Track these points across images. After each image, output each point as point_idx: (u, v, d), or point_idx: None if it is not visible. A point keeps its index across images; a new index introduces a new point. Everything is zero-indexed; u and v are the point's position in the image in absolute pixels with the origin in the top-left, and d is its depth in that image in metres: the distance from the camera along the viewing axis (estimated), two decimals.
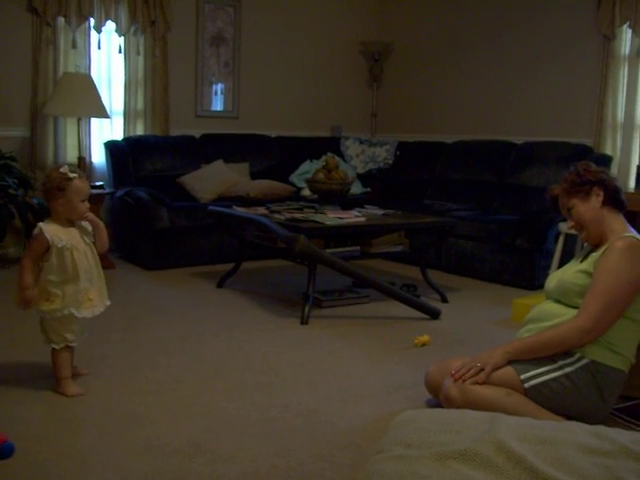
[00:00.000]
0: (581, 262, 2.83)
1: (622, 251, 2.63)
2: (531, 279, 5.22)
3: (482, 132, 6.81)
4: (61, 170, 2.98)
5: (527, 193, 5.92)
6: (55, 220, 3.00)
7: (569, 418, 2.54)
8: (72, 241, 2.98)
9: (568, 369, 2.61)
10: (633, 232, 2.75)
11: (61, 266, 2.94)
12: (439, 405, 2.74)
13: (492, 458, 1.55)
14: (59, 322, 2.99)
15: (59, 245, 2.93)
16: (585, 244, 2.93)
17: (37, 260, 2.96)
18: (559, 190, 2.85)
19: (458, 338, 4.05)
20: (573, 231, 2.92)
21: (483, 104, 6.90)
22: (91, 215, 3.08)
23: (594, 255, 2.74)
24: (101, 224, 3.13)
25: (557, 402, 2.61)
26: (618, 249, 2.64)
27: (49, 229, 2.95)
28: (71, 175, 2.96)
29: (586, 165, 2.85)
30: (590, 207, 2.77)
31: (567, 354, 2.64)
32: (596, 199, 2.77)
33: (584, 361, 2.62)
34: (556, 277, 2.89)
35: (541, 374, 2.62)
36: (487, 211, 6.04)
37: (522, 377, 2.61)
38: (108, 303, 3.17)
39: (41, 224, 2.98)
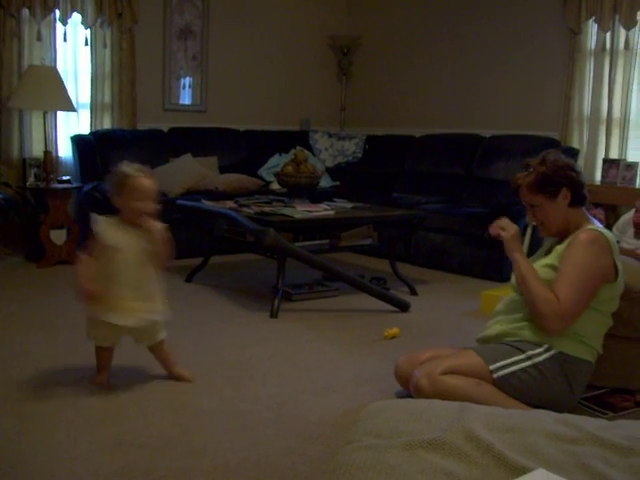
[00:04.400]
0: (545, 255, 2.86)
1: (586, 244, 2.66)
2: (499, 271, 5.26)
3: (450, 125, 6.85)
4: (122, 167, 2.94)
5: (495, 186, 5.97)
6: (121, 218, 2.95)
7: (537, 408, 2.57)
8: (124, 243, 2.90)
9: (537, 359, 2.64)
10: (596, 224, 2.78)
11: (101, 265, 2.87)
12: (409, 396, 2.76)
13: (461, 446, 1.56)
14: (89, 319, 2.97)
15: (106, 243, 2.87)
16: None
17: (90, 253, 2.91)
18: (523, 182, 2.83)
19: (428, 330, 4.07)
20: (534, 223, 2.92)
21: (451, 97, 6.94)
22: (148, 220, 2.93)
23: (558, 248, 2.76)
24: (160, 234, 2.93)
25: (526, 392, 2.63)
26: (582, 242, 2.66)
27: (104, 225, 2.91)
28: (129, 172, 2.92)
29: (554, 160, 2.79)
30: (556, 207, 2.77)
31: (536, 345, 2.66)
32: (563, 200, 2.76)
33: (552, 352, 2.65)
34: None
35: (510, 364, 2.64)
36: (456, 204, 6.08)
37: (491, 367, 2.63)
38: (161, 317, 3.01)
39: (98, 217, 2.92)
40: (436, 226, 5.66)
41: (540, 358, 2.65)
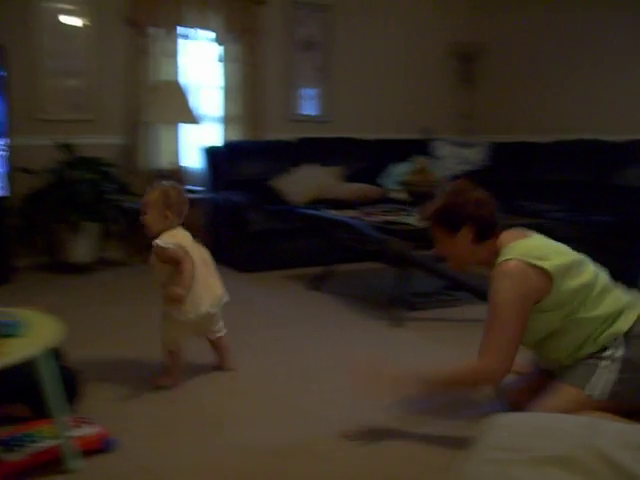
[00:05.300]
0: None
1: (501, 281, 2.47)
2: (632, 280, 5.05)
3: (577, 131, 6.63)
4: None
5: (624, 193, 5.75)
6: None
7: None
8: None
9: (618, 354, 2.47)
10: (509, 247, 2.55)
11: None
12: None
13: (590, 464, 1.52)
14: (173, 325, 3.23)
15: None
16: None
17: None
18: (426, 212, 2.67)
19: None
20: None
21: (578, 103, 6.74)
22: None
23: None
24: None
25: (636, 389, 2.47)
26: (496, 280, 2.49)
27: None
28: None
29: (458, 192, 2.61)
30: (456, 243, 2.60)
31: (603, 348, 2.48)
32: (464, 237, 2.58)
33: (620, 338, 2.49)
34: None
35: (602, 378, 2.46)
36: (582, 212, 5.89)
37: (588, 393, 2.45)
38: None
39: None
40: (563, 235, 5.47)
41: (620, 352, 2.47)
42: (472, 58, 7.71)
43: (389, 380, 2.56)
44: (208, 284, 3.23)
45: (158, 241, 3.10)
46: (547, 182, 6.54)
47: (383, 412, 2.89)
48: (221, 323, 3.40)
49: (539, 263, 2.47)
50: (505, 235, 2.62)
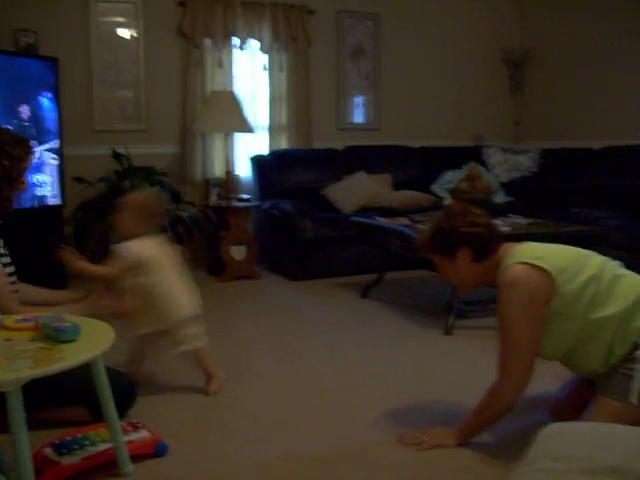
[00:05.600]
0: None
1: (505, 291, 2.44)
2: None
3: (628, 136, 6.53)
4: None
5: None
6: None
7: None
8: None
9: None
10: (507, 256, 2.52)
11: None
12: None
13: None
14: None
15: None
16: None
17: None
18: (421, 240, 2.67)
19: None
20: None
21: (628, 108, 6.63)
22: None
23: None
24: None
25: None
26: (501, 291, 2.46)
27: None
28: None
29: (451, 214, 2.62)
30: (457, 267, 2.58)
31: (635, 345, 2.40)
32: (463, 259, 2.56)
33: None
34: None
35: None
36: (636, 219, 5.78)
37: (631, 399, 2.37)
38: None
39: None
40: (618, 242, 5.41)
41: None
42: (521, 64, 7.65)
43: (432, 447, 2.59)
44: (177, 291, 3.13)
45: (121, 248, 3.02)
46: (598, 188, 6.44)
47: (434, 422, 2.87)
48: (197, 331, 3.20)
49: (538, 263, 2.43)
50: (502, 248, 2.60)
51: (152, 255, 3.07)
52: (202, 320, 3.21)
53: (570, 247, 2.61)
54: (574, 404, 2.71)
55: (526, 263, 2.44)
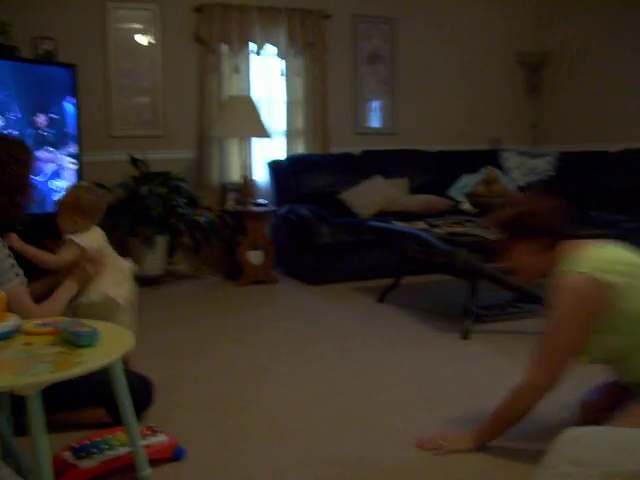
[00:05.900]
0: None
1: (565, 294, 2.36)
2: None
3: None
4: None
5: None
6: None
7: None
8: None
9: None
10: (576, 257, 2.42)
11: None
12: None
13: None
14: None
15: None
16: None
17: None
18: (496, 219, 2.60)
19: None
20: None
21: None
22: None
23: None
24: None
25: None
26: (561, 292, 2.38)
27: None
28: None
29: (532, 200, 2.57)
30: (529, 253, 2.51)
31: None
32: (537, 246, 2.49)
33: None
34: None
35: None
36: None
37: None
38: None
39: None
40: (637, 246, 5.37)
41: None
42: (539, 67, 7.62)
43: (449, 452, 2.59)
44: (116, 280, 3.09)
45: (73, 237, 3.00)
46: (616, 192, 6.40)
47: (451, 427, 2.86)
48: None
49: (605, 277, 2.32)
50: (570, 243, 2.52)
51: (99, 244, 3.09)
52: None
53: (632, 254, 2.53)
54: (605, 406, 2.68)
55: (595, 277, 2.33)
